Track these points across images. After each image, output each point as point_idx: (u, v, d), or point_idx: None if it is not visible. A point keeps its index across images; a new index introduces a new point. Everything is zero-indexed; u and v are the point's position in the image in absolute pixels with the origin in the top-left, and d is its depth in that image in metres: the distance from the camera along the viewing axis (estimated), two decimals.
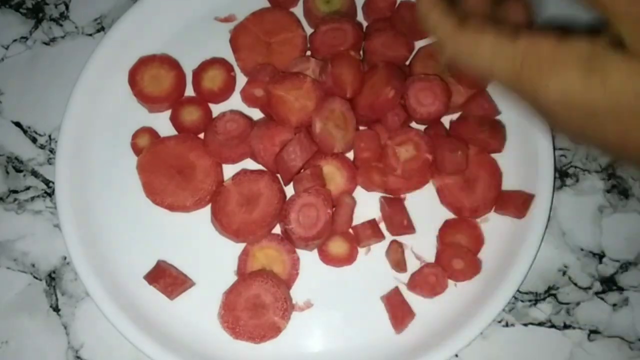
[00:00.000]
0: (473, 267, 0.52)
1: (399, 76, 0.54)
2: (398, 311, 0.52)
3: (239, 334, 0.51)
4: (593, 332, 0.54)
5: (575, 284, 0.55)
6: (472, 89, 0.56)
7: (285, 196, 0.54)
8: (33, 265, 0.56)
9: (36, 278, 0.56)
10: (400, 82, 0.54)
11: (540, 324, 0.54)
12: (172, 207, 0.55)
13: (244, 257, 0.53)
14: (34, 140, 0.60)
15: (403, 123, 0.55)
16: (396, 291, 0.53)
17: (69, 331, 0.55)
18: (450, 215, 0.55)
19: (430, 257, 0.54)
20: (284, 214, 0.52)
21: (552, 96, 0.30)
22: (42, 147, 0.60)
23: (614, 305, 0.55)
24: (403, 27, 0.58)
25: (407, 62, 0.58)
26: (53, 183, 0.57)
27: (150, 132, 0.57)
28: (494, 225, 0.54)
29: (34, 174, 0.59)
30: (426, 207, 0.55)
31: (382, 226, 0.54)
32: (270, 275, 0.52)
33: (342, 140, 0.54)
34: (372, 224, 0.54)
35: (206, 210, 0.55)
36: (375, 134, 0.54)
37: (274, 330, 0.51)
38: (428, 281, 0.52)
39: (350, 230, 0.54)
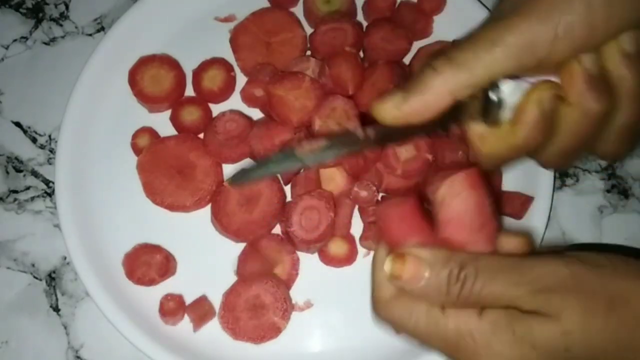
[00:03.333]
0: None
1: (400, 74, 0.55)
2: None
3: (239, 335, 0.51)
4: None
5: None
6: None
7: (285, 196, 0.54)
8: (33, 265, 0.56)
9: (36, 278, 0.56)
10: (402, 80, 0.54)
11: None
12: (172, 207, 0.55)
13: (243, 258, 0.53)
14: (34, 140, 0.60)
15: None
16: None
17: (69, 331, 0.55)
18: None
19: None
20: (286, 216, 0.52)
21: None
22: (42, 147, 0.60)
23: None
24: (403, 27, 0.58)
25: (408, 62, 0.59)
26: (53, 183, 0.57)
27: (150, 132, 0.57)
28: None
29: (34, 174, 0.59)
30: None
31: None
32: (270, 276, 0.52)
33: None
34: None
35: (206, 210, 0.55)
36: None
37: (274, 331, 0.51)
38: None
39: (351, 231, 0.54)
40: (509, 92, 0.36)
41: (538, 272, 0.32)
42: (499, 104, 0.36)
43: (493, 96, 0.36)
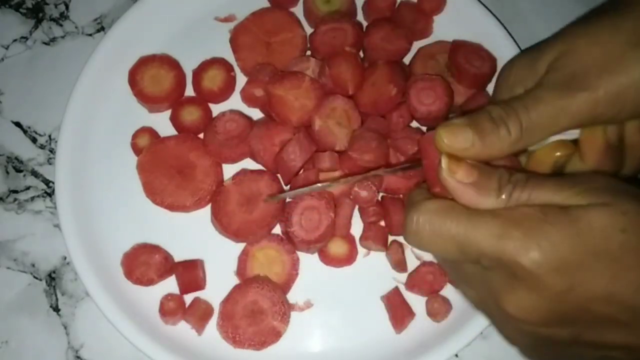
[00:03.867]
0: None
1: (400, 74, 0.55)
2: (398, 311, 0.52)
3: (240, 343, 0.51)
4: None
5: None
6: (472, 89, 0.56)
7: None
8: (33, 265, 0.56)
9: (36, 278, 0.56)
10: (402, 80, 0.54)
11: None
12: (172, 207, 0.55)
13: (243, 258, 0.53)
14: (34, 140, 0.60)
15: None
16: (396, 291, 0.53)
17: (69, 331, 0.55)
18: None
19: (431, 257, 0.54)
20: (286, 216, 0.52)
21: (512, 312, 0.33)
22: (42, 147, 0.60)
23: None
24: (403, 27, 0.58)
25: (408, 63, 0.59)
26: (53, 183, 0.57)
27: (150, 132, 0.57)
28: None
29: (34, 174, 0.59)
30: None
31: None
32: (266, 281, 0.52)
33: (345, 139, 0.53)
34: (382, 230, 0.53)
35: (206, 210, 0.55)
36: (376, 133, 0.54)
37: (274, 335, 0.51)
38: (426, 280, 0.52)
39: (351, 232, 0.54)
40: None
41: (584, 179, 0.33)
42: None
43: None
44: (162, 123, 0.57)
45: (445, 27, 0.59)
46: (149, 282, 0.53)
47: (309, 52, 0.59)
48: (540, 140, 0.38)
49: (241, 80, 0.58)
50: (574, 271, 0.31)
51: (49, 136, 0.60)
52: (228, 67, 0.58)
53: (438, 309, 0.52)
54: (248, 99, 0.57)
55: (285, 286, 0.53)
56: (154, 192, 0.55)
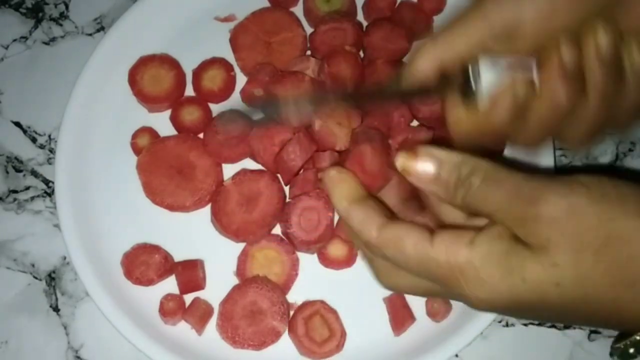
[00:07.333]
0: None
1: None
2: (399, 314, 0.52)
3: (239, 343, 0.51)
4: (593, 332, 0.54)
5: None
6: None
7: (285, 196, 0.54)
8: (33, 265, 0.56)
9: (36, 278, 0.56)
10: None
11: (541, 324, 0.54)
12: (172, 207, 0.55)
13: (243, 258, 0.53)
14: (34, 140, 0.60)
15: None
16: (399, 294, 0.53)
17: (69, 331, 0.55)
18: None
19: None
20: (285, 217, 0.52)
21: (481, 304, 0.32)
22: (42, 147, 0.60)
23: None
24: (403, 27, 0.58)
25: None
26: (53, 183, 0.57)
27: (150, 132, 0.57)
28: None
29: (34, 174, 0.59)
30: None
31: None
32: (265, 281, 0.52)
33: (345, 138, 0.53)
34: None
35: (206, 210, 0.55)
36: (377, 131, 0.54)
37: (274, 335, 0.51)
38: None
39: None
40: (487, 68, 0.37)
41: (537, 196, 0.31)
42: (475, 79, 0.38)
43: (470, 71, 0.38)
44: (162, 123, 0.57)
45: None
46: (149, 282, 0.53)
47: (309, 52, 0.59)
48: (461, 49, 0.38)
49: (241, 80, 0.58)
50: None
51: (49, 136, 0.60)
52: (228, 67, 0.58)
53: (438, 309, 0.52)
54: (248, 99, 0.57)
55: (284, 286, 0.53)
56: (153, 192, 0.55)
